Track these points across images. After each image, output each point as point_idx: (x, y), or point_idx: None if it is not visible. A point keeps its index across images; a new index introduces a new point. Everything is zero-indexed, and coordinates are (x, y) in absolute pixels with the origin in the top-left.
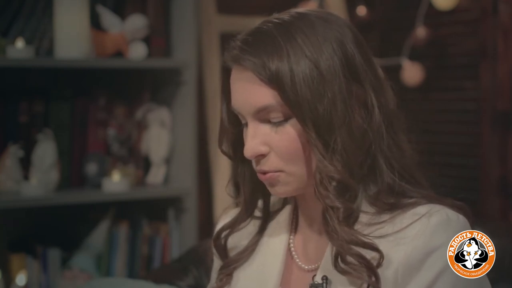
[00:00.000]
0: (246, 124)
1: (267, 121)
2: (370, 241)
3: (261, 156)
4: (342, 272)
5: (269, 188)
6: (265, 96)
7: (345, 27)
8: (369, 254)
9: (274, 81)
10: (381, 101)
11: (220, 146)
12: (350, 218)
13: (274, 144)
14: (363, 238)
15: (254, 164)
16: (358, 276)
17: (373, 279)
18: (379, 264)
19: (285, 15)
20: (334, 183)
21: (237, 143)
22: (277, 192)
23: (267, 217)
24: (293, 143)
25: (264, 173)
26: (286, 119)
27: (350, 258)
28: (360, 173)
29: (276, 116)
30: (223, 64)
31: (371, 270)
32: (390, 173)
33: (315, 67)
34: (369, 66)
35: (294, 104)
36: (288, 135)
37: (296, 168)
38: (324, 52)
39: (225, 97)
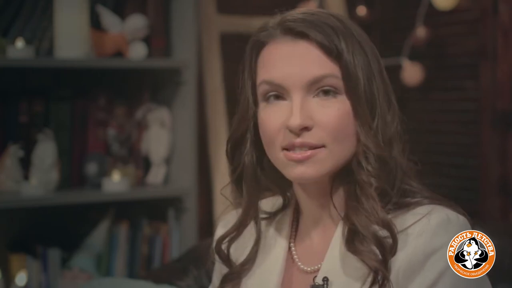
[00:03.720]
0: (276, 97)
1: (315, 95)
2: (393, 225)
3: (305, 129)
4: (354, 251)
5: (296, 169)
6: (324, 66)
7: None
8: (386, 239)
9: (338, 55)
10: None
11: (232, 136)
12: (381, 199)
13: (320, 118)
14: (388, 219)
15: (290, 138)
16: (369, 258)
17: (383, 265)
18: (392, 250)
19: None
20: (375, 158)
21: (254, 126)
22: (306, 172)
23: (268, 218)
24: (339, 119)
25: (303, 146)
26: (335, 94)
27: (365, 239)
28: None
29: (328, 88)
30: (254, 39)
31: (383, 254)
32: (399, 172)
33: (364, 53)
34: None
35: (353, 79)
36: (336, 111)
37: (338, 145)
38: (365, 43)
39: (251, 75)
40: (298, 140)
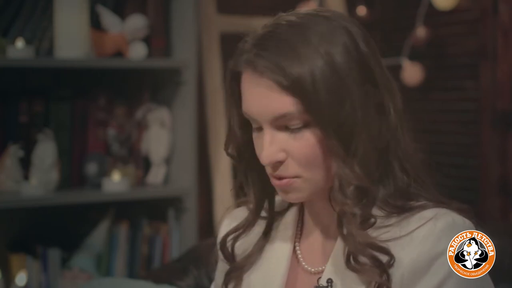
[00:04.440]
0: (259, 129)
1: (285, 127)
2: (385, 246)
3: (278, 163)
4: (354, 270)
5: (282, 195)
6: (284, 104)
7: (354, 25)
8: (381, 256)
9: (295, 88)
10: (394, 102)
11: (227, 150)
12: (367, 222)
13: (292, 151)
14: (378, 243)
15: (269, 169)
16: (369, 275)
17: (385, 278)
18: (389, 265)
19: (292, 17)
20: (352, 189)
21: (246, 145)
22: (291, 199)
23: (273, 217)
24: (312, 150)
25: (280, 178)
26: (305, 126)
27: (362, 258)
28: (375, 177)
29: (295, 123)
30: (231, 67)
31: (383, 270)
32: (404, 177)
33: (334, 70)
34: (380, 66)
35: (316, 111)
36: (307, 142)
37: (313, 174)
38: (340, 53)
39: (234, 102)
40: (275, 174)
